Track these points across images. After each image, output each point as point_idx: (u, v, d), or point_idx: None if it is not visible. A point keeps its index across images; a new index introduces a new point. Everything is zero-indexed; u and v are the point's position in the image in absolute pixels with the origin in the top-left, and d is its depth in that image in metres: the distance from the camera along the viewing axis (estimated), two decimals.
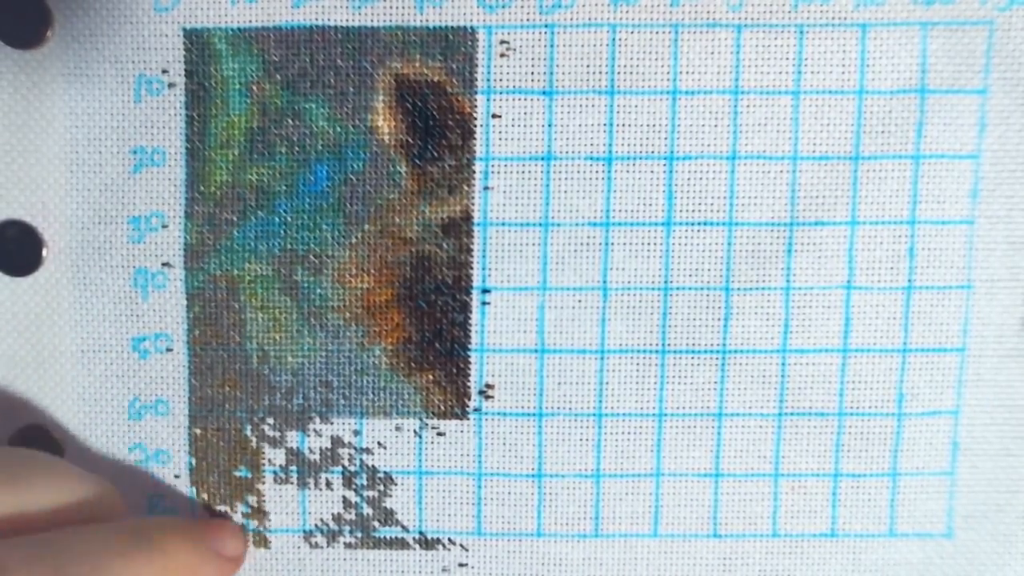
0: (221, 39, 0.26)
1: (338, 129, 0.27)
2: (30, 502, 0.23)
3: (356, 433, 0.28)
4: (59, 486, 0.24)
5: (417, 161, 0.27)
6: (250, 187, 0.27)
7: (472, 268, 0.27)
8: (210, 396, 0.28)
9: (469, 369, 0.27)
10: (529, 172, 0.27)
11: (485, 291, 0.27)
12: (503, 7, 0.26)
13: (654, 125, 0.26)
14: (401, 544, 0.28)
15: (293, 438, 0.28)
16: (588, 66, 0.26)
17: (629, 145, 0.26)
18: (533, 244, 0.27)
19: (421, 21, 0.26)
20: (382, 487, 0.28)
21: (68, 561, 0.22)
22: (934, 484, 0.28)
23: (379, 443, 0.28)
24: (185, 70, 0.26)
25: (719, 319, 0.27)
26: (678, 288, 0.27)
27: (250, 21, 0.26)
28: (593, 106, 0.26)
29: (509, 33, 0.26)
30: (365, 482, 0.28)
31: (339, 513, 0.28)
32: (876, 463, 0.28)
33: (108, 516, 0.25)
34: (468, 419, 0.28)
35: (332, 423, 0.28)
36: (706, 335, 0.27)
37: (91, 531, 0.23)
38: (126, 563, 0.23)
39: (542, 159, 0.27)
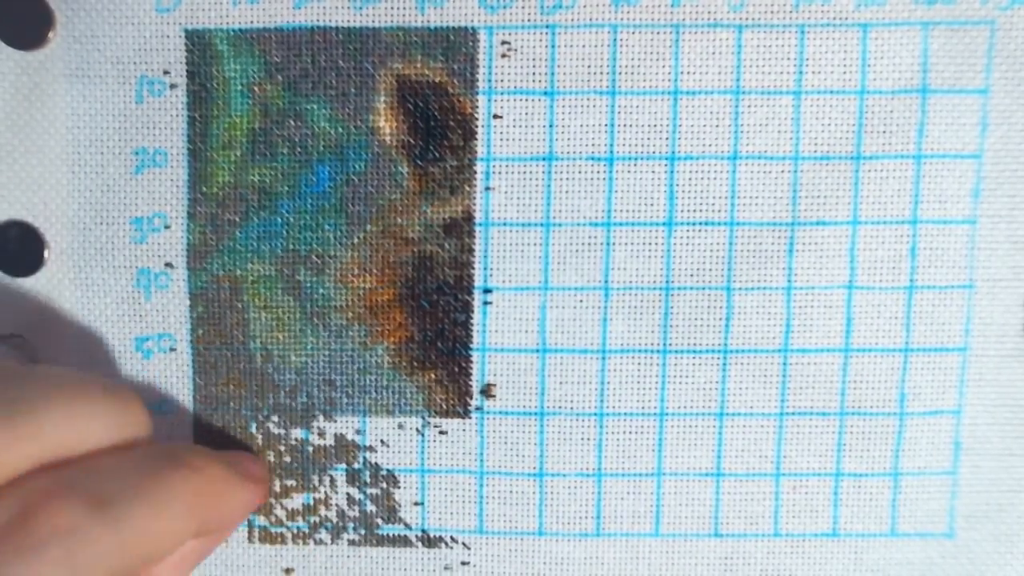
0: (222, 40, 0.26)
1: (340, 130, 0.27)
2: (52, 436, 0.21)
3: (359, 431, 0.28)
4: (79, 411, 0.22)
5: (419, 161, 0.27)
6: (252, 188, 0.27)
7: (474, 268, 0.27)
8: (214, 395, 0.28)
9: (471, 368, 0.28)
10: (530, 172, 0.27)
11: (487, 291, 0.27)
12: (504, 8, 0.26)
13: (655, 125, 0.26)
14: (404, 542, 0.28)
15: (297, 436, 0.28)
16: (589, 66, 0.26)
17: (630, 145, 0.26)
18: (535, 244, 0.27)
19: (422, 22, 0.26)
20: (385, 485, 0.28)
21: (103, 488, 0.21)
22: (936, 484, 0.28)
23: (382, 441, 0.28)
24: (187, 71, 0.26)
25: (720, 319, 0.27)
26: (679, 288, 0.27)
27: (251, 22, 0.26)
28: (594, 106, 0.26)
29: (510, 34, 0.26)
30: (368, 480, 0.28)
31: (343, 510, 0.28)
32: (878, 463, 0.28)
33: (135, 432, 0.23)
34: (470, 418, 0.28)
35: (336, 421, 0.28)
36: (707, 335, 0.27)
37: (123, 456, 0.22)
38: (162, 484, 0.22)
39: (543, 159, 0.27)
